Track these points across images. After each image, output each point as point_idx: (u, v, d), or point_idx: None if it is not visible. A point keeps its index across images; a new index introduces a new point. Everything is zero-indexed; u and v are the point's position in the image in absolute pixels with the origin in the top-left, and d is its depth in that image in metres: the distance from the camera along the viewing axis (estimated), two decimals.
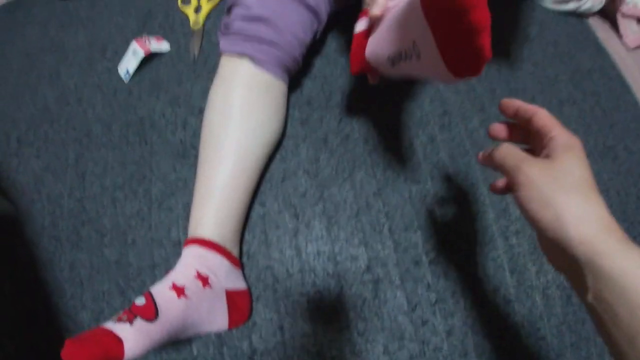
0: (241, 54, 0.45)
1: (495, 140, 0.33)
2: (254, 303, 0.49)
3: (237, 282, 0.46)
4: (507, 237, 0.52)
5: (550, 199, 0.23)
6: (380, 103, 0.56)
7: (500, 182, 0.34)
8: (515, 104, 0.31)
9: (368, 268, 0.49)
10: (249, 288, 0.49)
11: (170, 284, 0.39)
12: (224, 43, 0.46)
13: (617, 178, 0.58)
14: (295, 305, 0.48)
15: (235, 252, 0.47)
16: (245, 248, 0.50)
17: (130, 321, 0.33)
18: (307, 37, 0.47)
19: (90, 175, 0.58)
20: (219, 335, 0.49)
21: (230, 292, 0.45)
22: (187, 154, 0.54)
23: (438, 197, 0.52)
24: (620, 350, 0.21)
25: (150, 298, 0.37)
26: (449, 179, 0.53)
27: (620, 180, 0.57)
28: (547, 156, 0.26)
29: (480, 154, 0.34)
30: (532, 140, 0.30)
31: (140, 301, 0.36)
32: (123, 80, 0.62)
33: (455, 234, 0.51)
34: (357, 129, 0.53)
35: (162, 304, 0.36)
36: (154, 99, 0.59)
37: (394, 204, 0.51)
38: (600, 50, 0.70)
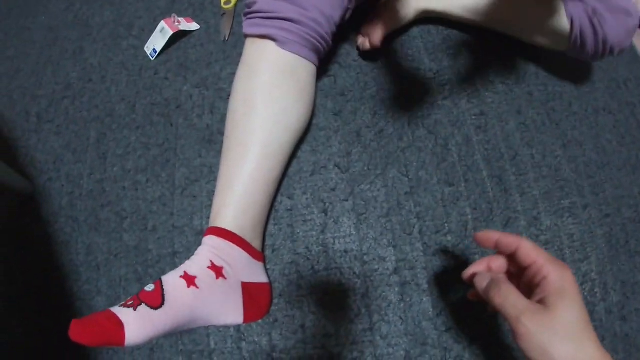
0: (263, 36, 0.42)
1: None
2: (276, 299, 0.47)
3: (256, 276, 0.45)
4: None
5: (548, 349, 0.26)
6: (417, 98, 0.53)
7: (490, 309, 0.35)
8: (493, 236, 0.33)
9: (396, 270, 0.47)
10: (270, 283, 0.47)
11: (182, 273, 0.38)
12: (246, 25, 0.44)
13: None
14: (319, 304, 0.47)
15: (256, 244, 0.45)
16: (270, 241, 0.49)
17: (135, 307, 0.33)
18: (335, 14, 0.44)
19: (112, 156, 0.57)
20: (238, 329, 0.47)
21: (247, 285, 0.43)
22: (213, 139, 0.52)
23: (471, 200, 0.50)
24: None
25: (160, 286, 0.36)
26: (483, 183, 0.51)
27: None
28: (542, 301, 0.28)
29: (480, 235, 0.34)
30: (520, 272, 0.32)
31: (149, 288, 0.36)
32: (149, 59, 0.60)
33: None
34: (392, 124, 0.51)
35: (170, 292, 0.36)
36: (181, 79, 0.57)
37: (426, 205, 0.49)
38: (636, 60, 0.68)
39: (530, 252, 0.30)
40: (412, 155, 0.50)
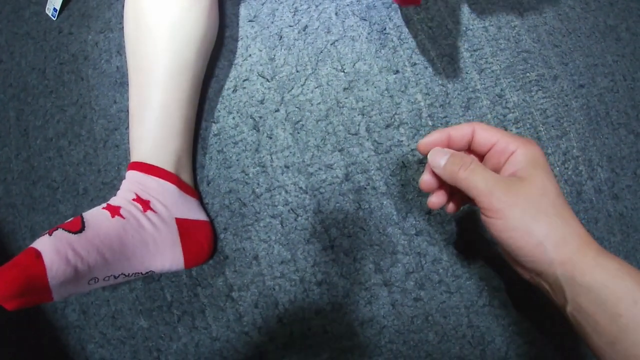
0: None
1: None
2: (222, 234, 0.43)
3: (192, 212, 0.40)
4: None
5: (532, 225, 0.23)
6: None
7: (450, 206, 0.31)
8: (441, 135, 0.28)
9: (346, 176, 0.42)
10: (211, 221, 0.42)
11: (105, 205, 0.34)
12: None
13: (622, 61, 0.50)
14: (269, 230, 0.42)
15: (185, 178, 0.41)
16: (203, 174, 0.43)
17: (50, 233, 0.29)
18: None
19: (33, 129, 0.52)
20: (190, 275, 0.43)
21: (183, 222, 0.39)
22: (125, 81, 0.47)
23: (421, 85, 0.44)
24: (602, 353, 0.22)
25: (80, 217, 0.32)
26: (432, 64, 0.45)
27: (626, 63, 0.48)
28: (515, 174, 0.25)
29: (424, 142, 0.29)
30: (481, 157, 0.29)
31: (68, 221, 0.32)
32: (52, 21, 0.55)
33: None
34: (317, 18, 0.45)
35: (91, 220, 0.32)
36: (85, 30, 0.51)
37: (370, 99, 0.43)
38: None
39: (489, 132, 0.26)
40: (345, 46, 0.44)
